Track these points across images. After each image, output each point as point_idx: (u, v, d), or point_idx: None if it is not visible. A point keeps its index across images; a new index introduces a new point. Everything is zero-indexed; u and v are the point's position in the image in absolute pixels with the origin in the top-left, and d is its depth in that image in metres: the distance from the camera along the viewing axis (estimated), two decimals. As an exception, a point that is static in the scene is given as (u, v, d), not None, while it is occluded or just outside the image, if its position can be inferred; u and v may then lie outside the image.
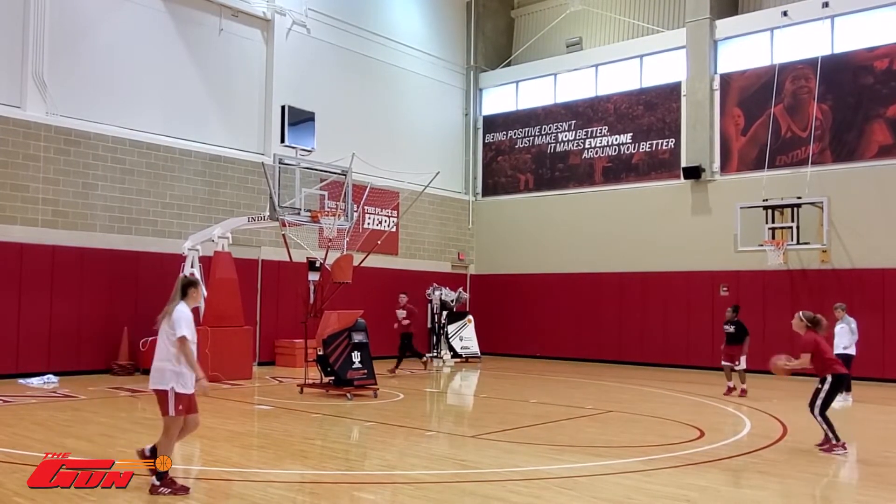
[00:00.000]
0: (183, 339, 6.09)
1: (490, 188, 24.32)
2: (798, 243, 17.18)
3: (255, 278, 18.28)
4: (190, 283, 6.34)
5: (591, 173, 22.06)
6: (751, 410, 11.84)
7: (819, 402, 8.36)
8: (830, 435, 8.37)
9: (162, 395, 6.17)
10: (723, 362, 13.98)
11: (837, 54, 18.17)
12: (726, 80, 19.75)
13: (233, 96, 18.47)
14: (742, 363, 13.66)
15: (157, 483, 6.07)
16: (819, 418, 8.39)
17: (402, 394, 13.40)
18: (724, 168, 19.64)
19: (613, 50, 22.28)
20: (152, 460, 6.14)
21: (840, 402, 13.00)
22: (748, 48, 19.67)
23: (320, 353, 12.74)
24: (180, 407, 6.16)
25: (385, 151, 20.51)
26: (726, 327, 13.94)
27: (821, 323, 8.54)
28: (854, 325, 13.39)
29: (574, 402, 13.64)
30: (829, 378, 8.36)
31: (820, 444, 8.46)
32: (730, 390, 13.69)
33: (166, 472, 6.11)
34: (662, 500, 6.25)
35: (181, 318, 6.14)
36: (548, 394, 14.19)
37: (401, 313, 17.18)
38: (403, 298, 17.31)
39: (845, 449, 8.31)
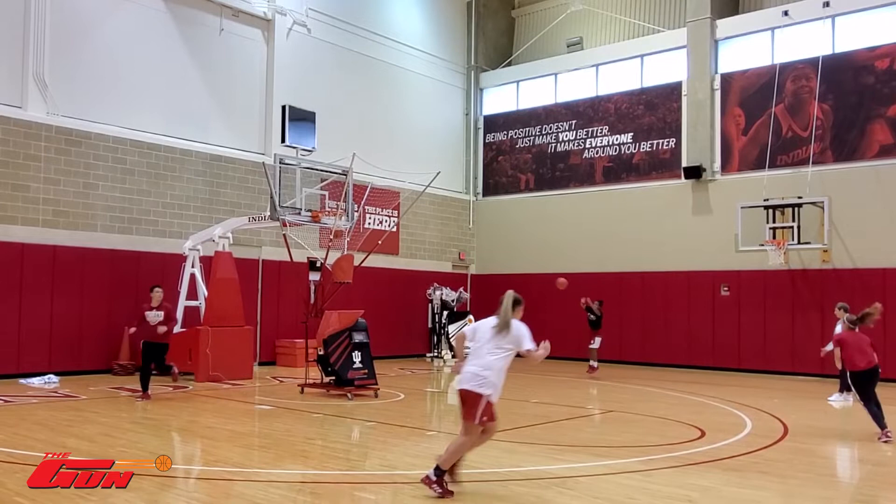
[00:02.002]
0: (531, 352, 6.32)
1: (491, 188, 24.32)
2: (799, 243, 17.18)
3: (256, 278, 18.29)
4: (519, 301, 6.50)
5: (592, 173, 22.06)
6: (751, 410, 11.84)
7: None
8: (875, 423, 9.22)
9: (475, 400, 6.22)
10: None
11: (838, 54, 18.16)
12: (727, 79, 19.74)
13: (233, 96, 18.48)
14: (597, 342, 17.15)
15: (434, 478, 6.14)
16: (866, 408, 9.33)
17: (403, 394, 13.41)
18: (725, 168, 19.63)
19: (614, 50, 22.27)
20: (440, 476, 6.20)
21: (840, 401, 13.04)
22: (749, 48, 19.66)
23: (321, 352, 12.74)
24: (485, 418, 6.25)
25: (385, 151, 20.51)
26: (590, 317, 17.37)
27: (853, 321, 9.73)
28: (855, 325, 13.36)
29: (574, 402, 13.65)
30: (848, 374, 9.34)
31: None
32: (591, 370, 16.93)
33: (445, 470, 6.20)
34: (663, 500, 6.25)
35: (526, 334, 6.36)
36: (548, 394, 14.19)
37: (155, 316, 12.06)
38: (159, 294, 12.23)
39: (888, 438, 9.12)
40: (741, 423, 10.53)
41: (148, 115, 16.74)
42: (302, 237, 16.60)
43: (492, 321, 6.45)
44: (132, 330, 12.26)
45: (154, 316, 12.01)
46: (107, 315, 15.55)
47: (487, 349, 6.35)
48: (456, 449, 6.28)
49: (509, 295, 6.48)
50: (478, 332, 6.53)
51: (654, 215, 20.47)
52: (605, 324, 18.02)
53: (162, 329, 11.95)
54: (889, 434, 9.15)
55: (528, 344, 6.30)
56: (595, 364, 17.35)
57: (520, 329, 6.36)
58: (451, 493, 6.14)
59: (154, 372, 12.20)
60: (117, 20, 16.41)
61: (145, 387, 12.03)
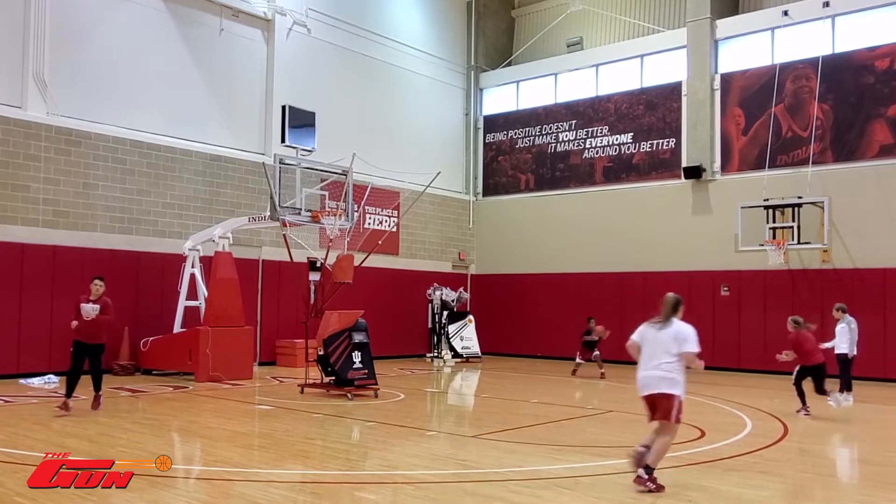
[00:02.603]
0: (691, 356, 6.55)
1: (491, 188, 24.32)
2: (799, 243, 17.18)
3: (256, 278, 18.29)
4: (681, 301, 6.86)
5: (592, 173, 22.06)
6: (751, 410, 11.84)
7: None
8: (800, 402, 11.49)
9: (669, 400, 6.49)
10: (581, 360, 17.52)
11: (838, 54, 18.16)
12: (727, 79, 19.74)
13: (233, 96, 18.47)
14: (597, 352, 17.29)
15: (646, 476, 6.41)
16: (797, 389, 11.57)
17: (403, 394, 13.40)
18: (725, 168, 19.63)
19: (614, 50, 22.27)
20: (648, 470, 6.44)
21: (841, 401, 13.04)
22: (749, 48, 19.66)
23: (321, 353, 12.74)
24: (681, 415, 6.55)
25: (385, 151, 20.51)
26: (589, 337, 17.55)
27: (800, 323, 11.76)
28: (854, 325, 13.38)
29: (574, 402, 13.66)
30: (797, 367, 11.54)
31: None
32: (574, 372, 17.48)
33: (654, 468, 6.45)
34: (663, 500, 6.24)
35: (691, 336, 6.60)
36: (548, 394, 14.19)
37: (91, 309, 10.57)
38: (99, 286, 10.78)
39: (807, 413, 11.34)
40: (741, 423, 10.54)
41: (148, 115, 16.74)
42: (302, 237, 16.61)
43: (654, 324, 6.76)
44: (74, 324, 10.64)
45: (91, 309, 10.58)
46: (107, 315, 15.52)
47: (661, 349, 6.57)
48: (664, 448, 6.53)
49: (670, 297, 6.82)
50: (645, 336, 6.76)
51: (654, 215, 20.47)
52: (604, 323, 18.07)
53: (107, 316, 10.68)
54: (809, 410, 11.38)
55: (690, 346, 6.51)
56: (577, 368, 17.83)
57: (689, 329, 6.61)
58: (664, 486, 6.39)
59: (85, 370, 10.82)
60: (117, 20, 16.41)
61: (70, 392, 10.47)
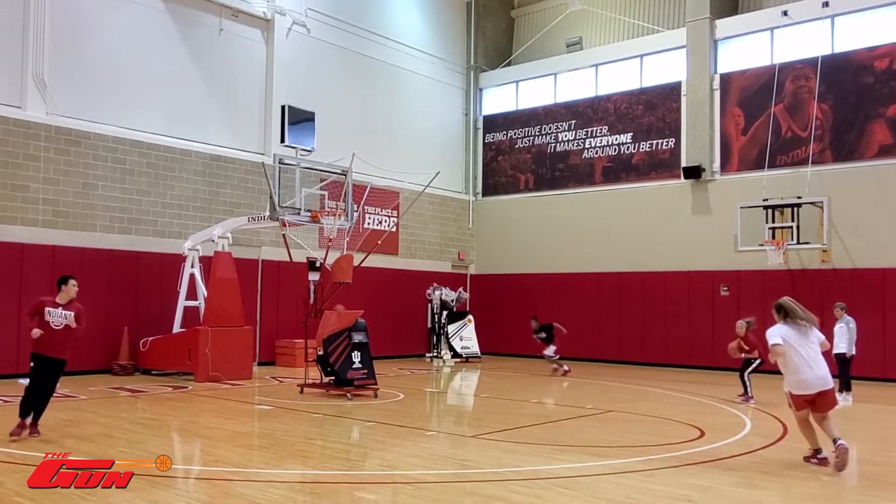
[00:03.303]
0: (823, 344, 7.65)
1: (490, 188, 24.32)
2: (798, 243, 17.18)
3: (256, 278, 18.29)
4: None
5: (592, 173, 22.06)
6: (751, 410, 11.84)
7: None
8: (746, 390, 12.89)
9: (833, 392, 7.58)
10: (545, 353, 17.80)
11: (837, 54, 18.17)
12: (726, 79, 19.75)
13: (233, 96, 18.47)
14: (551, 351, 17.62)
15: (842, 443, 7.32)
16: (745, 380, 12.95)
17: (403, 394, 13.41)
18: (725, 168, 19.64)
19: (613, 50, 22.28)
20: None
21: (840, 401, 13.03)
22: (748, 48, 19.67)
23: (320, 353, 12.74)
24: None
25: (385, 151, 20.51)
26: (539, 335, 17.87)
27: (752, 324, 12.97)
28: (853, 324, 13.39)
29: (574, 402, 13.65)
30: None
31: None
32: (556, 371, 17.64)
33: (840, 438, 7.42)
34: (662, 500, 6.25)
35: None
36: (548, 394, 14.20)
37: (60, 317, 8.61)
38: (74, 288, 8.87)
39: (748, 400, 12.67)
40: (741, 423, 10.54)
41: (147, 115, 16.73)
42: (301, 237, 16.61)
43: (793, 327, 7.54)
44: (37, 333, 8.46)
45: (59, 317, 8.58)
46: (106, 315, 15.52)
47: (816, 350, 7.51)
48: (835, 423, 7.49)
49: (792, 302, 7.66)
50: (790, 339, 7.51)
51: (654, 215, 20.47)
52: (605, 322, 18.11)
53: (79, 327, 8.67)
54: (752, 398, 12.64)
55: (823, 338, 7.67)
56: (557, 366, 17.88)
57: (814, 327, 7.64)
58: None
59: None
60: (117, 20, 16.40)
61: (25, 412, 8.59)
